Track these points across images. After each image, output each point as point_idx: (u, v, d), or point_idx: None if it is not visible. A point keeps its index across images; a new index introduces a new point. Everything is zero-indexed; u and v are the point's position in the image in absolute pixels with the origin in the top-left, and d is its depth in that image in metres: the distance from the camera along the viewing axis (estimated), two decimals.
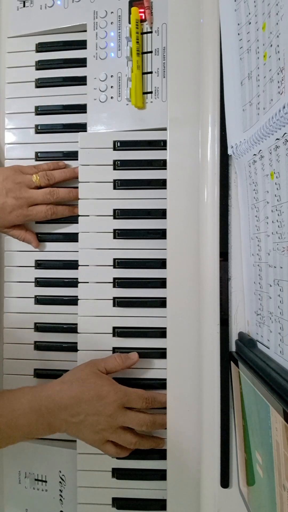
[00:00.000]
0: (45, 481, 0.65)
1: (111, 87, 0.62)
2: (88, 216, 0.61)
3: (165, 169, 0.54)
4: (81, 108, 0.64)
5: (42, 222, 0.66)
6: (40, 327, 0.66)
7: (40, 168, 0.63)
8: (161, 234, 0.59)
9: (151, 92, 0.60)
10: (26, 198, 0.61)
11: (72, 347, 0.63)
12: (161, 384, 0.58)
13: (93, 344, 0.61)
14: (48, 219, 0.63)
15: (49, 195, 0.62)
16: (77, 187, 0.62)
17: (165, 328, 0.54)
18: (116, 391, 0.55)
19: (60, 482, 0.64)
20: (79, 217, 0.61)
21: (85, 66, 0.64)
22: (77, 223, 0.62)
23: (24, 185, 0.61)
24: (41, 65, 0.67)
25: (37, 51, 0.67)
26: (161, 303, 0.59)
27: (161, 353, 0.59)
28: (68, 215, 0.65)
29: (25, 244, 0.66)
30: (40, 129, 0.66)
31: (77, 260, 0.61)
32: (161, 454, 0.58)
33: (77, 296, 0.61)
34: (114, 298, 0.61)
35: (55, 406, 0.53)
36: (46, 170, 0.63)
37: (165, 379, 0.55)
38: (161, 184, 0.59)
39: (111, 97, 0.62)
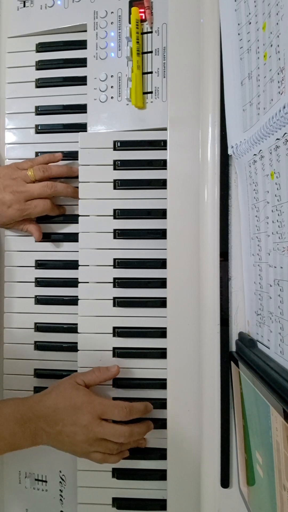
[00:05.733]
0: (45, 481, 0.65)
1: (111, 87, 0.62)
2: (88, 216, 0.61)
3: (165, 169, 0.54)
4: (81, 108, 0.64)
5: (42, 222, 0.66)
6: (40, 327, 0.66)
7: (36, 161, 0.63)
8: (161, 234, 0.59)
9: (151, 92, 0.60)
10: (23, 192, 0.60)
11: (72, 347, 0.63)
12: (161, 384, 0.58)
13: (93, 344, 0.61)
14: (47, 213, 0.63)
15: (46, 187, 0.61)
16: (77, 187, 0.62)
17: (165, 328, 0.54)
18: (90, 402, 0.54)
19: (60, 482, 0.64)
20: (79, 217, 0.61)
21: (85, 66, 0.64)
22: (77, 223, 0.62)
23: (21, 180, 0.61)
24: (41, 65, 0.67)
25: (37, 51, 0.67)
26: (161, 303, 0.59)
27: (161, 353, 0.58)
28: (70, 195, 0.64)
29: (25, 244, 0.66)
30: (40, 129, 0.66)
31: (77, 260, 0.61)
32: (161, 454, 0.58)
33: (77, 296, 0.61)
34: (114, 298, 0.61)
35: (34, 415, 0.53)
36: (42, 162, 0.63)
37: (165, 379, 0.55)
38: (161, 184, 0.59)
39: (111, 97, 0.62)
